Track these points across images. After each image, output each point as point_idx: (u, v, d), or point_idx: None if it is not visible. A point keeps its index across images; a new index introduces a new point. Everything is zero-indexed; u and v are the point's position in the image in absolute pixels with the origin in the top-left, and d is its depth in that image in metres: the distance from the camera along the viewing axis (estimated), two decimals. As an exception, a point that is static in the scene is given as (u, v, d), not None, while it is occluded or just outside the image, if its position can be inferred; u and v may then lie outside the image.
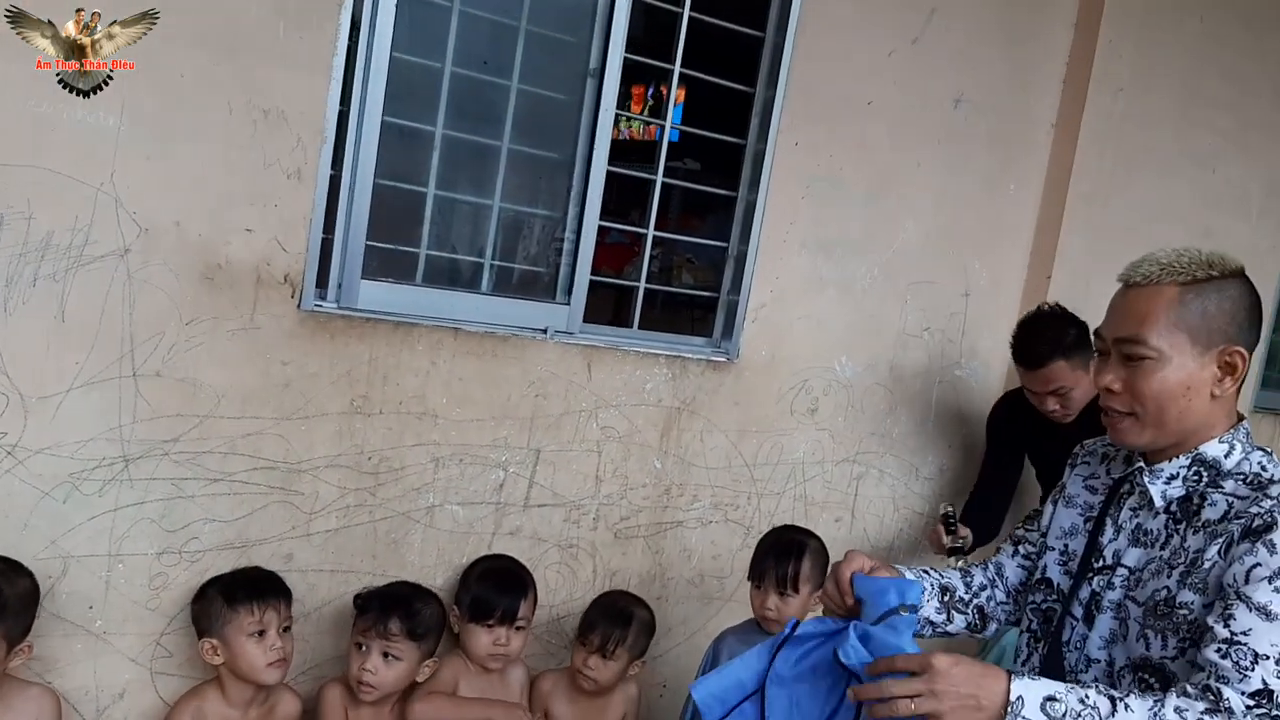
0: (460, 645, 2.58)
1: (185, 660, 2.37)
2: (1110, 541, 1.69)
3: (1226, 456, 1.59)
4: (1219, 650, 1.43)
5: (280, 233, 2.34)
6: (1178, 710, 1.40)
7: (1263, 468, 1.57)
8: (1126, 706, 1.40)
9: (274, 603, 2.30)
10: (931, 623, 1.83)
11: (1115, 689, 1.46)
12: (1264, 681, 1.39)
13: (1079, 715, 1.40)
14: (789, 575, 2.55)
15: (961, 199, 3.32)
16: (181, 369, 2.28)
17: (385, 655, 2.37)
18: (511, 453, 2.70)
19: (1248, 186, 3.92)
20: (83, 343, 2.18)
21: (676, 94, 3.00)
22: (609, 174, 2.75)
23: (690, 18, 2.79)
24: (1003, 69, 3.33)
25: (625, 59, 2.71)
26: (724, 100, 2.99)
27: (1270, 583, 1.43)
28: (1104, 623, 1.64)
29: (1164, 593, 1.55)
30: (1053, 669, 1.68)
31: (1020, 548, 1.92)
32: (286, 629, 2.33)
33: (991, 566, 1.94)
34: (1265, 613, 1.42)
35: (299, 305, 2.39)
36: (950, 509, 3.09)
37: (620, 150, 2.83)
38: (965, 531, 3.08)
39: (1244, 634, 1.42)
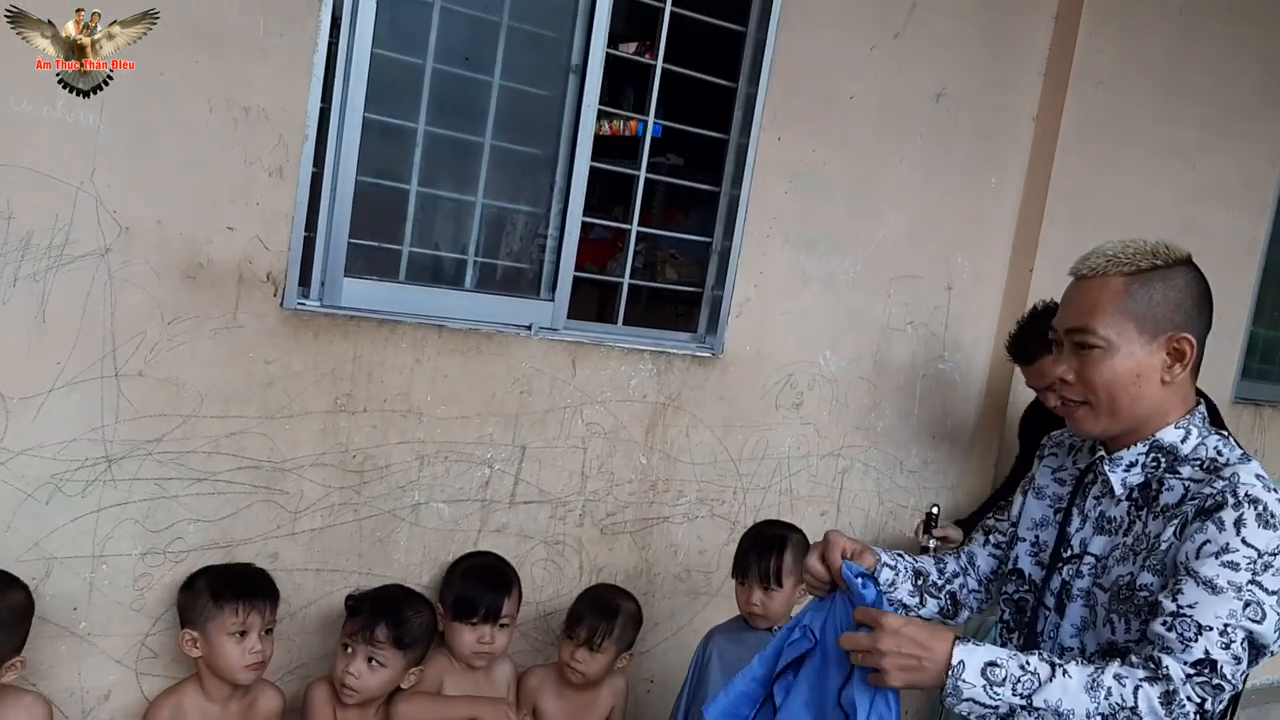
0: (445, 643, 2.58)
1: (171, 660, 2.36)
2: (1077, 531, 1.73)
3: (1183, 442, 1.63)
4: (1164, 623, 1.47)
5: (262, 231, 2.33)
6: (1117, 677, 1.44)
7: (1218, 452, 1.62)
8: (1065, 672, 1.45)
9: (260, 605, 2.29)
10: (905, 606, 1.87)
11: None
12: (1206, 651, 1.43)
13: (1018, 680, 1.45)
14: (771, 570, 2.55)
15: (943, 193, 3.33)
16: (164, 369, 2.27)
17: (370, 660, 2.35)
18: (497, 450, 2.70)
19: (1228, 179, 3.94)
20: (64, 343, 2.16)
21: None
22: (591, 170, 2.75)
23: (672, 13, 2.79)
24: (984, 63, 3.34)
25: (607, 54, 2.71)
26: (706, 95, 2.99)
27: (1217, 557, 1.47)
28: (1074, 611, 1.69)
29: (1127, 577, 1.60)
30: None
31: (991, 537, 1.96)
32: (269, 631, 2.32)
33: (964, 555, 1.98)
34: (1211, 586, 1.46)
35: (282, 304, 2.38)
36: (936, 509, 3.11)
37: (603, 146, 2.83)
38: (949, 532, 3.12)
39: (1190, 607, 1.46)
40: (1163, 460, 1.64)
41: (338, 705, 2.41)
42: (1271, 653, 1.48)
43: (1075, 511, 1.75)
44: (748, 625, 2.62)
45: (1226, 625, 1.44)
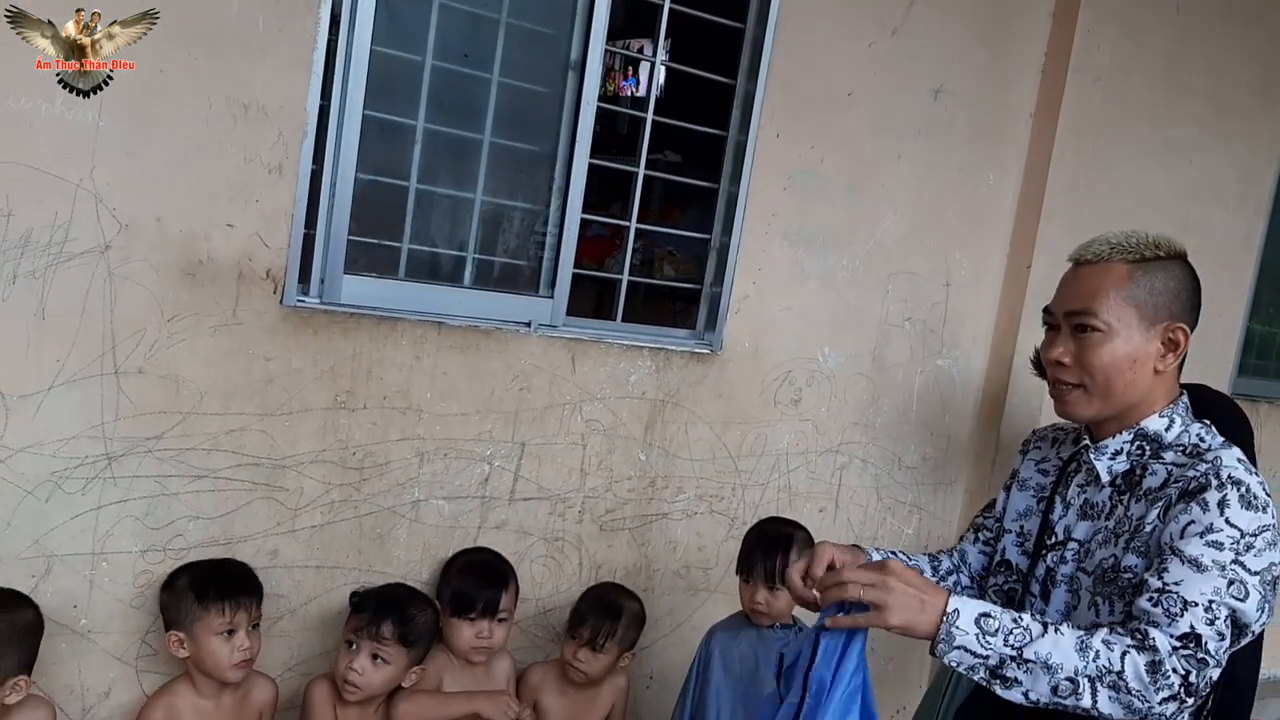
0: (443, 640, 2.58)
1: (170, 658, 2.35)
2: (1061, 518, 1.77)
3: (1167, 430, 1.67)
4: (1150, 599, 1.49)
5: (262, 228, 2.33)
6: (1105, 641, 1.46)
7: (1201, 439, 1.66)
8: (1058, 630, 1.47)
9: (245, 602, 2.28)
10: None
11: None
12: (1191, 626, 1.45)
13: (1010, 632, 1.47)
14: (777, 569, 2.55)
15: (942, 189, 3.33)
16: (164, 366, 2.27)
17: (374, 657, 2.35)
18: (496, 446, 2.70)
19: (1225, 175, 3.95)
20: (64, 340, 2.16)
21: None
22: (590, 166, 2.75)
23: (670, 10, 2.79)
24: (982, 59, 3.34)
25: (606, 51, 2.71)
26: (705, 92, 3.00)
27: (1202, 537, 1.50)
28: (1059, 596, 1.72)
29: (1111, 560, 1.63)
30: None
31: (980, 535, 1.99)
32: (255, 626, 2.32)
33: (956, 553, 2.01)
34: (1196, 564, 1.49)
35: (281, 301, 2.38)
36: None
37: (600, 142, 2.83)
38: None
39: (1175, 584, 1.49)
40: (1147, 448, 1.68)
41: (338, 703, 2.41)
42: (1252, 632, 1.51)
43: (1058, 499, 1.79)
44: (748, 621, 2.63)
45: (1211, 602, 1.46)
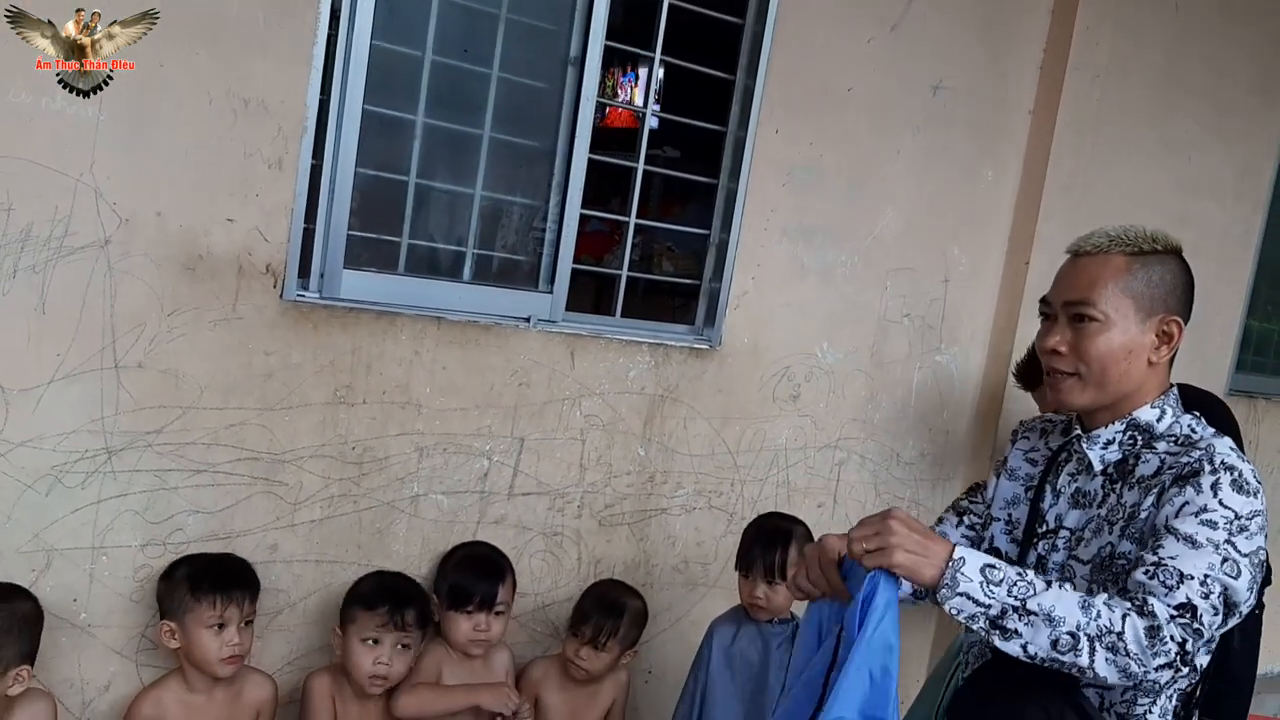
0: (441, 634, 2.58)
1: (170, 652, 2.36)
2: (1051, 507, 1.79)
3: (1159, 420, 1.71)
4: (1146, 572, 1.51)
5: (262, 223, 2.34)
6: (1106, 603, 1.47)
7: (1192, 429, 1.70)
8: (1061, 586, 1.49)
9: (238, 598, 2.28)
10: None
11: None
12: (1188, 598, 1.47)
13: (1014, 584, 1.48)
14: (776, 564, 2.56)
15: (940, 185, 3.34)
16: (163, 360, 2.27)
17: (399, 645, 2.41)
18: (495, 441, 2.71)
19: (1223, 173, 3.95)
20: (64, 335, 2.17)
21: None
22: (589, 162, 2.75)
23: (670, 5, 2.79)
24: (981, 55, 3.34)
25: (606, 46, 2.71)
26: (704, 88, 3.00)
27: (1197, 516, 1.53)
28: None
29: (1107, 548, 1.65)
30: None
31: (965, 518, 1.99)
32: (248, 623, 2.31)
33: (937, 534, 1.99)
34: (1191, 541, 1.51)
35: (281, 295, 2.38)
36: None
37: (599, 138, 2.83)
38: None
39: (1171, 558, 1.51)
40: (1139, 437, 1.71)
41: (339, 696, 2.42)
42: (1240, 614, 1.53)
43: (1048, 488, 1.81)
44: (748, 616, 2.64)
45: (1206, 576, 1.49)
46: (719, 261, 3.01)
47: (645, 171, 2.89)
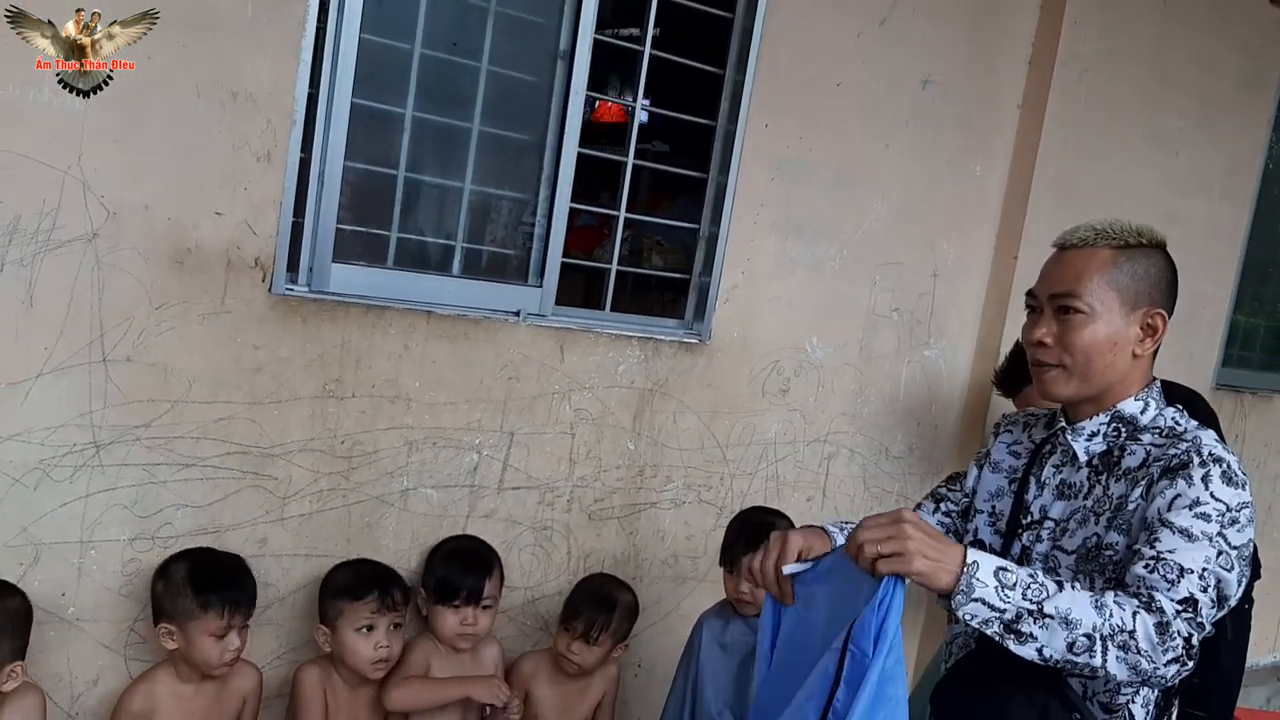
0: (429, 627, 2.59)
1: (160, 647, 2.36)
2: (1035, 498, 1.81)
3: (1143, 413, 1.73)
4: (1146, 566, 1.52)
5: (250, 216, 2.33)
6: (1115, 601, 1.47)
7: (1176, 422, 1.72)
8: (1073, 586, 1.48)
9: (244, 606, 2.29)
10: None
11: None
12: (1189, 592, 1.48)
13: (1029, 587, 1.46)
14: None
15: (929, 180, 3.35)
16: (152, 354, 2.26)
17: (393, 626, 2.44)
18: (485, 436, 2.71)
19: (1210, 169, 3.97)
20: (51, 328, 2.16)
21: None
22: (579, 156, 2.75)
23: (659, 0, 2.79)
24: (969, 50, 3.35)
25: (595, 40, 2.71)
26: (693, 82, 3.00)
27: (1190, 509, 1.55)
28: None
29: (1093, 539, 1.67)
30: None
31: (942, 505, 2.01)
32: (246, 625, 2.32)
33: None
34: (1187, 535, 1.53)
35: (270, 289, 2.38)
36: None
37: (589, 133, 2.83)
38: None
39: (1169, 552, 1.52)
40: (1123, 429, 1.73)
41: (329, 686, 2.42)
42: (1229, 605, 1.54)
43: (1033, 480, 1.82)
44: (735, 611, 2.64)
45: (1204, 569, 1.50)
46: (708, 256, 3.01)
47: (635, 165, 2.89)
